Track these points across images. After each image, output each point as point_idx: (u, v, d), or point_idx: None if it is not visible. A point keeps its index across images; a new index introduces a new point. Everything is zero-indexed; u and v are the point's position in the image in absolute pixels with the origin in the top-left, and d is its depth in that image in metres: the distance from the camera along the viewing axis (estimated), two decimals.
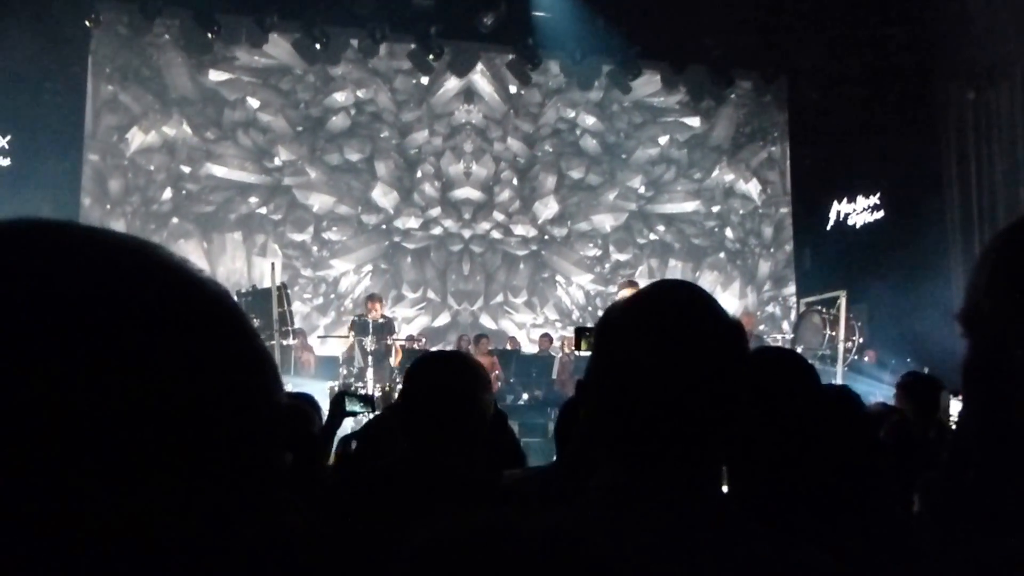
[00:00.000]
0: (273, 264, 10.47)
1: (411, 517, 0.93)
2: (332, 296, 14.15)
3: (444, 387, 2.04)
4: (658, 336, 1.03)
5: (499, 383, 11.02)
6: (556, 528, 0.82)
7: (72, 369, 0.45)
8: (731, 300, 15.12)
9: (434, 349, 9.14)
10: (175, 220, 13.50)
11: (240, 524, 0.51)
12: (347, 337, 10.07)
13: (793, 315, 14.38)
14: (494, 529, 0.80)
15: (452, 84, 14.68)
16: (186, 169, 13.54)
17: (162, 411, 0.47)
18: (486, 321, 14.59)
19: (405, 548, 0.82)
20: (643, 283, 14.50)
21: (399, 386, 3.43)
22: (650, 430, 1.01)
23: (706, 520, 0.99)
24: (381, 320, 9.80)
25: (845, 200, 14.00)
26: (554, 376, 11.76)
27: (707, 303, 1.08)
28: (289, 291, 10.75)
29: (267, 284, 10.19)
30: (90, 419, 0.45)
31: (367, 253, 14.38)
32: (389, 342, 9.87)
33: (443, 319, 14.60)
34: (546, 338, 12.64)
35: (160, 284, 0.51)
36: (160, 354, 0.48)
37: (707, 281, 14.95)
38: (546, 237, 14.88)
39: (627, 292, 7.26)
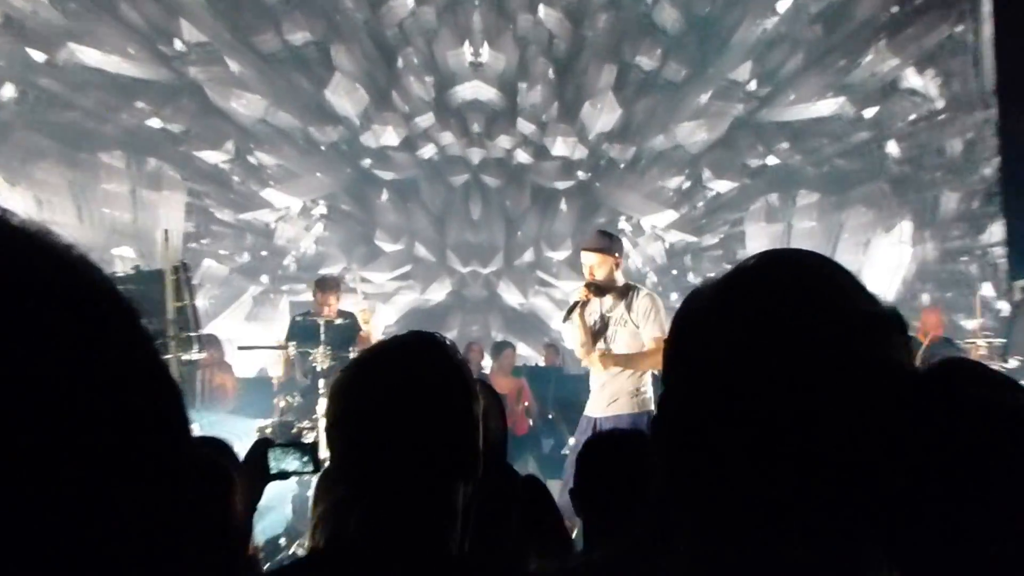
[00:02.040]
0: (167, 232, 8.21)
1: None
2: (264, 254, 11.92)
3: (400, 403, 1.43)
4: (761, 342, 0.86)
5: (530, 420, 9.43)
6: None
7: None
8: (898, 249, 12.55)
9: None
10: (21, 133, 10.88)
11: None
12: (285, 348, 8.23)
13: (1000, 278, 11.96)
14: None
15: None
16: (38, 56, 10.93)
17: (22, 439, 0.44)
18: (508, 294, 12.61)
19: None
20: (759, 238, 13.02)
21: None
22: (753, 481, 0.85)
23: None
24: (339, 321, 8.00)
25: None
26: None
27: (838, 289, 0.89)
28: (191, 273, 8.66)
29: (158, 262, 8.67)
30: None
31: (319, 185, 12.07)
32: (353, 354, 7.71)
33: (438, 291, 12.46)
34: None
35: (34, 276, 0.47)
36: (23, 363, 0.45)
37: (858, 222, 12.31)
38: (602, 161, 12.47)
39: (591, 257, 5.44)
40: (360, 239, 12.17)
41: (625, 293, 5.26)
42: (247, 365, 10.07)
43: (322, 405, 7.31)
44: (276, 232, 12.00)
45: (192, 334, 8.08)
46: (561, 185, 12.53)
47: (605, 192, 12.66)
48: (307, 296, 9.07)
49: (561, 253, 12.46)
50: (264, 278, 11.96)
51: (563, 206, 12.51)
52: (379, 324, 9.96)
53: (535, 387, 9.89)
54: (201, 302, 10.14)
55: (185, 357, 7.94)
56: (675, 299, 11.80)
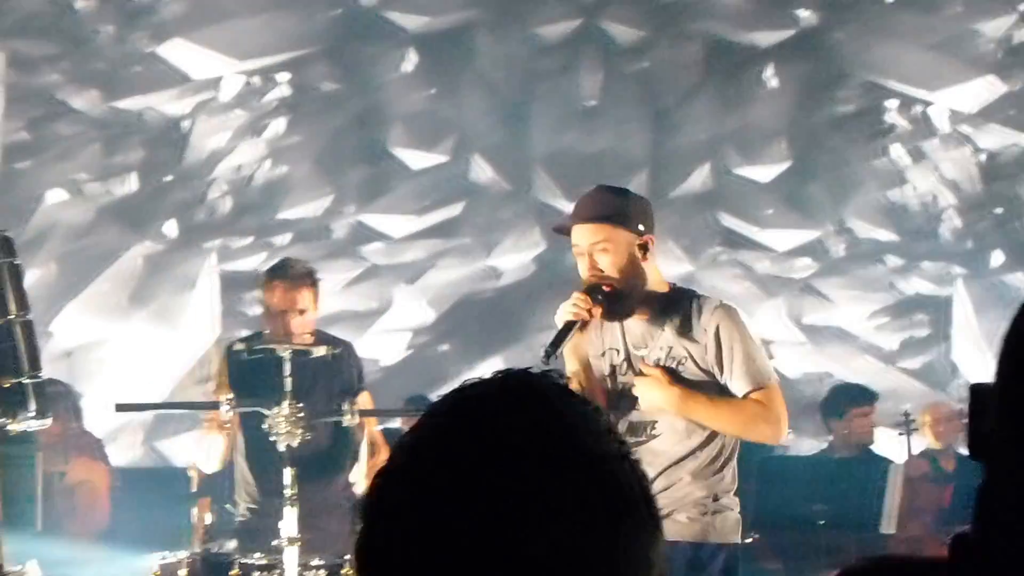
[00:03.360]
0: None
1: None
2: (168, 179, 7.86)
3: (526, 534, 0.88)
4: None
5: None
6: None
7: None
8: None
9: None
10: None
11: None
12: (215, 406, 5.20)
13: None
14: None
15: None
16: None
17: None
18: (662, 261, 7.58)
19: None
20: None
21: None
22: None
23: None
24: (319, 352, 5.19)
25: None
26: (887, 527, 6.25)
27: None
28: (18, 259, 4.72)
29: None
30: None
31: (276, 39, 7.71)
32: (349, 417, 5.19)
33: (517, 256, 8.47)
34: (866, 406, 6.64)
35: None
36: None
37: None
38: None
39: (588, 232, 3.94)
40: (360, 151, 7.76)
41: (672, 307, 3.39)
42: (132, 440, 7.29)
43: (291, 519, 5.06)
44: (191, 135, 7.54)
45: (23, 380, 5.25)
46: (765, 39, 8.01)
47: (854, 49, 7.98)
48: (249, 262, 6.84)
49: (769, 169, 7.75)
50: (168, 227, 7.48)
51: (769, 78, 8.02)
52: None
53: None
54: (38, 274, 6.51)
55: (10, 427, 5.31)
56: (999, 265, 7.41)
